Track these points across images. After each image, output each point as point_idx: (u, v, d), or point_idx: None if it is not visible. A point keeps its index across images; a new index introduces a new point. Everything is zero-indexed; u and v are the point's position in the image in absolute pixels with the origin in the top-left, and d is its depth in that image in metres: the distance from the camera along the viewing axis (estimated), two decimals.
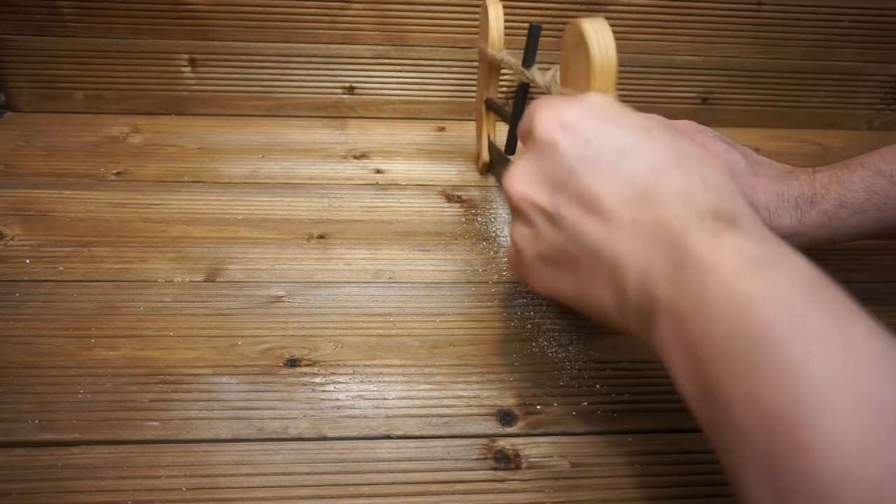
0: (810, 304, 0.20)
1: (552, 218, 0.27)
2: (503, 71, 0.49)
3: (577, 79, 0.31)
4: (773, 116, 0.66)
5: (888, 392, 0.18)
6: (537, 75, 0.37)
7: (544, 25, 0.40)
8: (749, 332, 0.20)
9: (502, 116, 0.48)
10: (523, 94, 0.42)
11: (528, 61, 0.40)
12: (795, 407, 0.18)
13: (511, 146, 0.46)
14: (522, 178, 0.28)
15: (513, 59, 0.43)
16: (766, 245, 0.23)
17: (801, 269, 0.22)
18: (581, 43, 0.30)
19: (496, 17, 0.47)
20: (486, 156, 0.53)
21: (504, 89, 0.57)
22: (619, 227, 0.25)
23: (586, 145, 0.26)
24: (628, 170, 0.25)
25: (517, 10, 0.58)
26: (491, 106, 0.51)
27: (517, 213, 0.29)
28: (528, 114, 0.30)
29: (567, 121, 0.27)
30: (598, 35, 0.29)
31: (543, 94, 0.37)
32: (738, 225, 0.23)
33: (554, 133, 0.27)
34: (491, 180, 0.54)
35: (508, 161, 0.47)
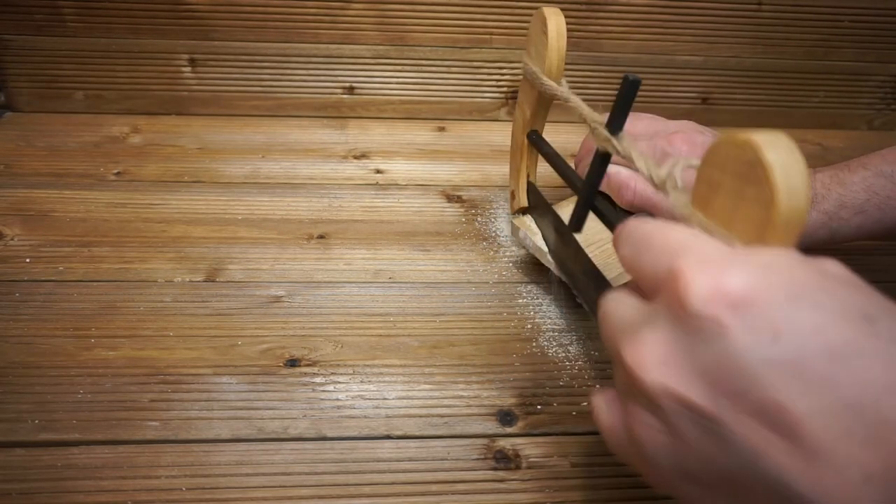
0: None
1: (711, 426, 0.19)
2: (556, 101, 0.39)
3: (727, 213, 0.22)
4: (773, 116, 0.66)
5: None
6: (637, 156, 0.28)
7: (625, 75, 0.29)
8: None
9: (557, 168, 0.38)
10: (602, 164, 0.32)
11: (615, 124, 0.30)
12: None
13: (578, 224, 0.34)
14: (662, 362, 0.20)
15: (586, 107, 0.32)
16: None
17: None
18: (754, 174, 0.20)
19: (558, 34, 0.36)
20: (523, 200, 0.44)
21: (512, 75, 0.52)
22: (832, 469, 0.17)
23: (775, 342, 0.18)
24: (847, 386, 0.17)
25: (516, 11, 0.58)
26: (540, 145, 0.41)
27: (648, 400, 0.21)
28: (661, 254, 0.22)
29: (739, 293, 0.19)
30: (790, 168, 0.20)
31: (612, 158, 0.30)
32: None
33: (721, 312, 0.19)
34: (491, 180, 0.54)
35: (567, 231, 0.36)
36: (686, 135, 0.40)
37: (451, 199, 0.52)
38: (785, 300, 0.18)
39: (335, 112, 0.62)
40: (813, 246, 0.39)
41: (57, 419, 0.32)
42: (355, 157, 0.56)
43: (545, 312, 0.41)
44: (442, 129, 0.62)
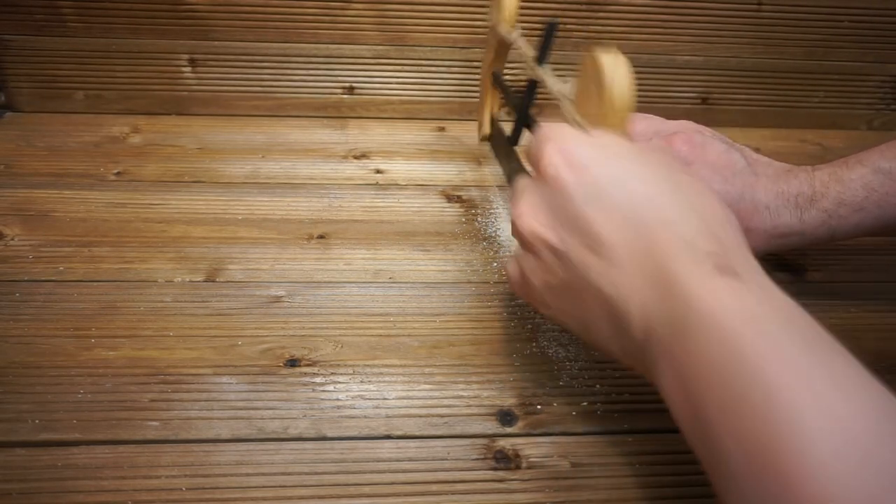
0: (813, 368, 0.21)
1: (558, 253, 0.28)
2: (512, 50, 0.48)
3: (587, 107, 0.31)
4: (773, 116, 0.66)
5: (870, 439, 0.19)
6: (550, 79, 0.37)
7: (543, 25, 0.40)
8: (752, 397, 0.20)
9: (508, 99, 0.48)
10: (533, 91, 0.42)
11: (541, 58, 0.40)
12: (780, 442, 0.19)
13: (515, 138, 0.45)
14: (531, 213, 0.29)
15: (526, 46, 0.42)
16: (767, 299, 0.23)
17: (801, 326, 0.22)
18: (596, 76, 0.29)
19: None
20: (487, 129, 0.54)
21: (510, 71, 0.56)
22: (622, 269, 0.26)
23: (593, 186, 0.27)
24: (633, 214, 0.26)
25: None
26: (498, 81, 0.51)
27: (524, 244, 0.30)
28: (537, 142, 0.30)
29: (576, 159, 0.28)
30: (616, 72, 0.29)
31: (548, 94, 0.37)
32: (736, 274, 0.24)
33: (562, 171, 0.28)
34: (491, 180, 0.54)
35: (508, 145, 0.47)
36: (685, 135, 0.40)
37: (451, 199, 0.52)
38: (604, 162, 0.28)
39: (335, 112, 0.62)
40: (813, 244, 0.39)
41: (57, 419, 0.32)
42: (355, 157, 0.56)
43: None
44: (442, 129, 0.62)
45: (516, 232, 0.30)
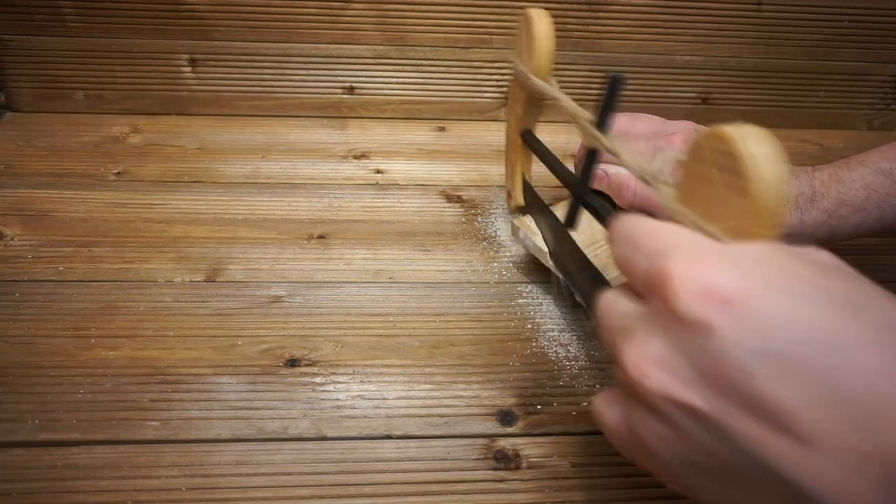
0: None
1: (710, 424, 0.20)
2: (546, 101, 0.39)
3: (713, 206, 0.22)
4: (773, 116, 0.66)
5: None
6: (624, 152, 0.28)
7: (608, 74, 0.30)
8: None
9: (550, 166, 0.38)
10: (592, 162, 0.32)
11: (603, 123, 0.30)
12: None
13: (571, 220, 0.35)
14: (661, 367, 0.20)
15: (574, 105, 0.33)
16: None
17: None
18: (731, 166, 0.21)
19: (545, 34, 0.36)
20: (520, 199, 0.44)
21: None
22: (828, 457, 0.18)
23: (765, 338, 0.18)
24: (837, 376, 0.18)
25: (516, 11, 0.58)
26: (531, 143, 0.41)
27: (650, 406, 0.21)
28: (650, 258, 0.22)
29: (725, 291, 0.19)
30: (764, 158, 0.20)
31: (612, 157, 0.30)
32: None
33: (710, 312, 0.19)
34: (491, 180, 0.54)
35: (552, 215, 0.38)
36: (685, 135, 0.40)
37: (451, 199, 0.52)
38: (772, 295, 0.19)
39: (335, 112, 0.62)
40: (813, 244, 0.39)
41: (57, 419, 0.32)
42: (355, 157, 0.56)
43: (545, 312, 0.41)
44: (442, 129, 0.62)
45: (632, 382, 0.21)
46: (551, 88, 0.36)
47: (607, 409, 0.24)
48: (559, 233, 0.38)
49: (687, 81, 0.64)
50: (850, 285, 0.20)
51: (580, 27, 0.60)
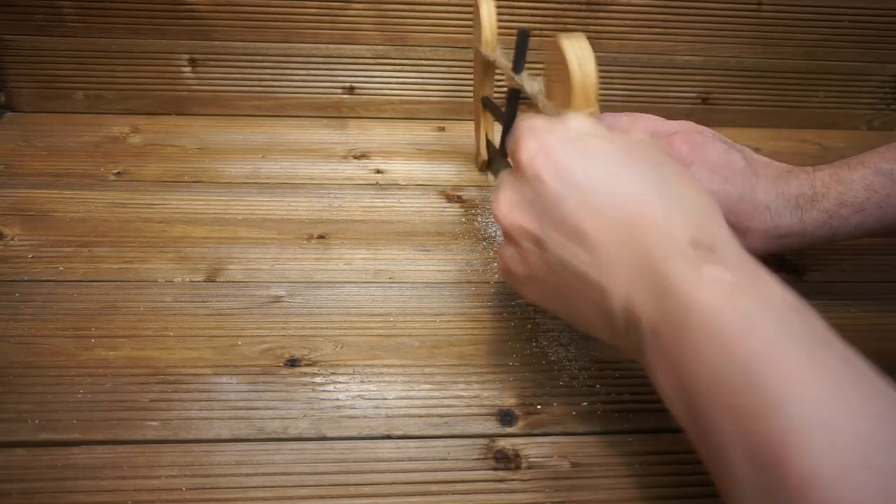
0: (786, 337, 0.21)
1: (539, 243, 0.28)
2: (498, 71, 0.49)
3: (559, 94, 0.32)
4: (773, 116, 0.66)
5: (856, 425, 0.19)
6: (526, 82, 0.38)
7: (544, 26, 0.40)
8: (730, 368, 0.21)
9: (497, 118, 0.48)
10: (515, 100, 0.42)
11: (517, 67, 0.40)
12: (781, 443, 0.19)
13: (504, 150, 0.44)
14: (510, 204, 0.29)
15: (505, 60, 0.42)
16: (744, 274, 0.24)
17: (777, 300, 0.23)
18: (561, 60, 0.30)
19: (488, 15, 0.46)
20: (484, 154, 0.54)
21: (499, 89, 0.56)
22: (603, 256, 0.26)
23: (568, 175, 0.27)
24: (610, 200, 0.26)
25: (517, 10, 0.58)
26: (487, 105, 0.51)
27: (506, 235, 0.30)
28: (513, 135, 0.31)
29: (549, 150, 0.28)
30: (577, 52, 0.30)
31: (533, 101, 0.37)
32: (716, 253, 0.24)
33: (537, 163, 0.28)
34: (491, 180, 0.54)
35: (506, 160, 0.46)
36: (685, 135, 0.40)
37: (451, 199, 0.52)
38: (577, 149, 0.28)
39: (335, 112, 0.62)
40: (814, 244, 0.39)
41: (57, 419, 0.32)
42: (355, 157, 0.56)
43: (545, 312, 0.41)
44: (442, 129, 0.62)
45: (498, 223, 0.31)
46: (494, 54, 0.45)
47: (499, 253, 0.32)
48: (500, 158, 0.46)
49: (687, 81, 0.64)
50: (630, 143, 0.29)
51: (580, 27, 0.59)
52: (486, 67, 0.49)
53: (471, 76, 0.61)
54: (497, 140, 0.47)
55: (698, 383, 0.22)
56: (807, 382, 0.20)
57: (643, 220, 0.26)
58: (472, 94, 0.62)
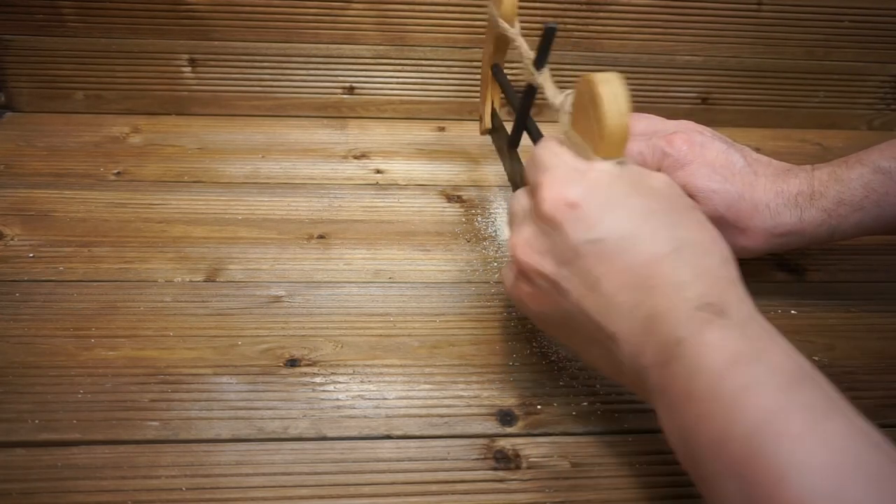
0: (791, 405, 0.21)
1: (557, 287, 0.29)
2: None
3: (585, 126, 0.30)
4: (773, 116, 0.66)
5: (863, 496, 0.19)
6: (549, 88, 0.36)
7: (544, 24, 0.38)
8: (733, 435, 0.21)
9: (508, 97, 0.46)
10: (531, 96, 0.40)
11: (539, 63, 0.38)
12: None
13: (515, 141, 0.44)
14: (529, 245, 0.30)
15: (524, 46, 0.40)
16: (751, 338, 0.24)
17: (784, 365, 0.23)
18: (593, 101, 0.29)
19: None
20: (488, 122, 0.53)
21: (510, 69, 0.56)
22: (618, 310, 0.27)
23: (590, 230, 0.27)
24: (629, 257, 0.27)
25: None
26: (498, 76, 0.49)
27: (521, 273, 0.31)
28: (535, 168, 0.31)
29: (573, 201, 0.28)
30: (613, 97, 0.28)
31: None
32: (725, 317, 0.24)
33: (560, 212, 0.28)
34: (491, 180, 0.54)
35: (508, 137, 0.45)
36: (685, 135, 0.40)
37: (451, 199, 0.52)
38: (600, 204, 0.28)
39: (335, 112, 0.62)
40: (813, 243, 0.39)
41: (57, 419, 0.32)
42: (355, 157, 0.56)
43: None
44: (442, 129, 0.62)
45: (514, 261, 0.31)
46: (513, 31, 0.43)
47: (506, 275, 0.33)
48: (510, 149, 0.45)
49: (687, 81, 0.64)
50: (657, 197, 0.28)
51: (580, 27, 0.60)
52: (500, 41, 0.48)
53: (471, 76, 0.61)
54: (509, 127, 0.45)
55: (701, 446, 0.23)
56: (812, 452, 0.20)
57: (657, 282, 0.26)
58: (473, 94, 0.62)
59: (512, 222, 0.32)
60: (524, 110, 0.41)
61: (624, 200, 0.28)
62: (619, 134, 0.28)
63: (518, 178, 0.43)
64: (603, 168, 0.29)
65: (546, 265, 0.29)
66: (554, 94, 0.35)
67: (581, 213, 0.28)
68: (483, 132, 0.54)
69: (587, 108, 0.29)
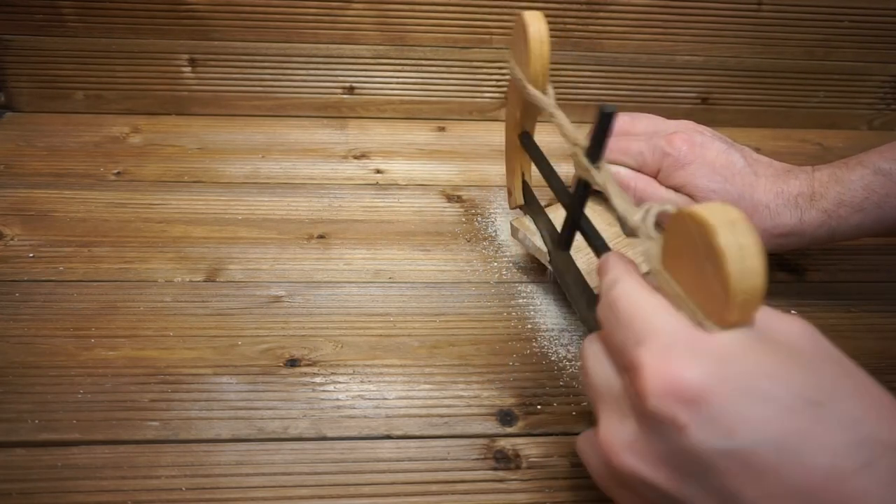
0: None
1: (673, 500, 0.22)
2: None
3: (690, 279, 0.22)
4: (773, 116, 0.66)
5: None
6: (614, 194, 0.27)
7: (600, 107, 0.29)
8: None
9: (543, 174, 0.38)
10: (584, 193, 0.31)
11: (594, 155, 0.29)
12: None
13: (566, 243, 0.35)
14: (633, 452, 0.22)
15: (567, 123, 0.32)
16: None
17: None
18: (710, 254, 0.20)
19: (539, 39, 0.34)
20: (519, 197, 0.44)
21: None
22: None
23: (728, 437, 0.20)
24: (796, 475, 0.19)
25: (516, 11, 0.58)
26: (528, 146, 0.41)
27: (618, 477, 0.24)
28: (624, 336, 0.23)
29: (693, 391, 0.20)
30: (738, 250, 0.20)
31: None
32: None
33: (676, 410, 0.20)
34: (491, 180, 0.54)
35: (555, 234, 0.37)
36: (685, 135, 0.40)
37: (451, 199, 0.52)
38: (736, 395, 0.20)
39: (335, 112, 0.62)
40: (813, 244, 0.39)
41: (57, 419, 0.32)
42: (355, 157, 0.56)
43: (545, 312, 0.41)
44: (442, 129, 0.62)
45: (606, 462, 0.23)
46: (547, 101, 0.34)
47: (589, 452, 0.26)
48: (556, 250, 0.38)
49: (687, 81, 0.64)
50: (817, 375, 0.21)
51: (580, 27, 0.59)
52: (530, 106, 0.38)
53: (471, 76, 0.61)
54: (557, 216, 0.37)
55: None
56: None
57: (832, 497, 0.19)
58: (474, 94, 0.62)
59: (595, 397, 0.25)
60: (577, 208, 0.32)
61: (770, 384, 0.20)
62: (752, 298, 0.20)
63: (576, 284, 0.35)
64: (729, 339, 0.21)
65: (661, 478, 0.21)
66: (625, 206, 0.26)
67: (711, 412, 0.20)
68: (514, 208, 0.46)
69: (696, 255, 0.21)
